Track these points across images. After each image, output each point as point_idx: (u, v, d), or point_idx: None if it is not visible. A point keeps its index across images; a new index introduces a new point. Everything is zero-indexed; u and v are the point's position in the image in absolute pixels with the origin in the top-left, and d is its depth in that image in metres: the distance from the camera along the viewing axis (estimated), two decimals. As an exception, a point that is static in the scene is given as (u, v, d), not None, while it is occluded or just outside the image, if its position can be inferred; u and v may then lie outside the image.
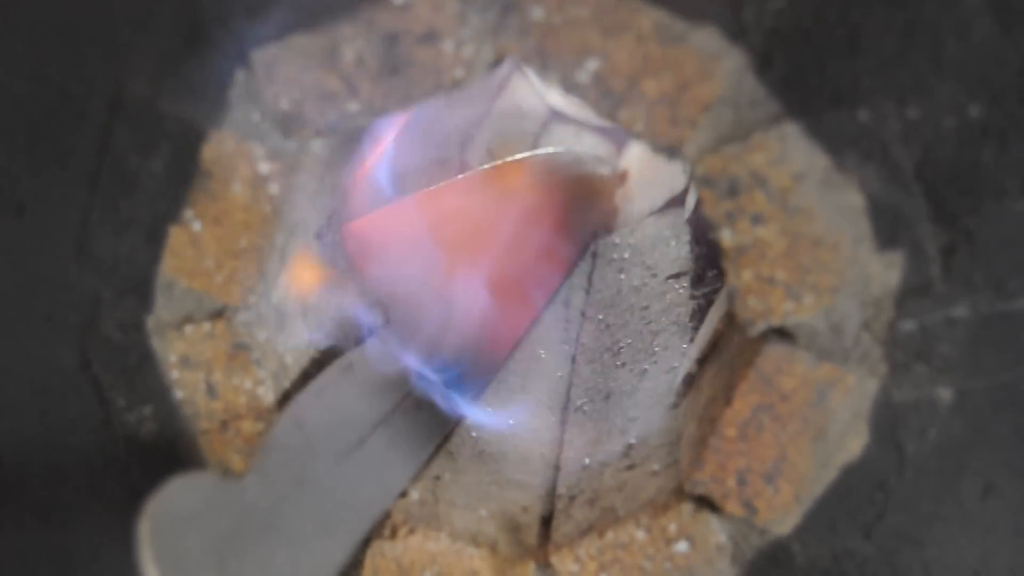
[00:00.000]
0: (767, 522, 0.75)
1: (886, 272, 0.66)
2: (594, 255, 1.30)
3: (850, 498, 0.73)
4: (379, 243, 1.00)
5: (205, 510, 0.65)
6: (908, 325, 0.67)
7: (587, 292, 1.21)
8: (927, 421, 0.70)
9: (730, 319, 0.80)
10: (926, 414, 0.70)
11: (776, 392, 0.71)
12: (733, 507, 0.75)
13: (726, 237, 0.68)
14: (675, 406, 0.89)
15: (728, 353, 0.79)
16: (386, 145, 1.09)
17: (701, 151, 0.66)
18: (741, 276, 0.68)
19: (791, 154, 0.64)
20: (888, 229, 0.65)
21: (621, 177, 1.50)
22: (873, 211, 0.65)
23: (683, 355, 0.97)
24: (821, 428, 0.71)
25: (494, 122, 1.53)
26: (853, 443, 0.71)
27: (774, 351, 0.70)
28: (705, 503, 0.77)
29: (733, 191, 0.66)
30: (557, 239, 1.25)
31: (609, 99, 0.66)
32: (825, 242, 0.66)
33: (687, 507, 0.77)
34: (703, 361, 0.86)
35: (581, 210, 1.34)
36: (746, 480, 0.74)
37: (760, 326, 0.70)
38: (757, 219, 0.67)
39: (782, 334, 0.70)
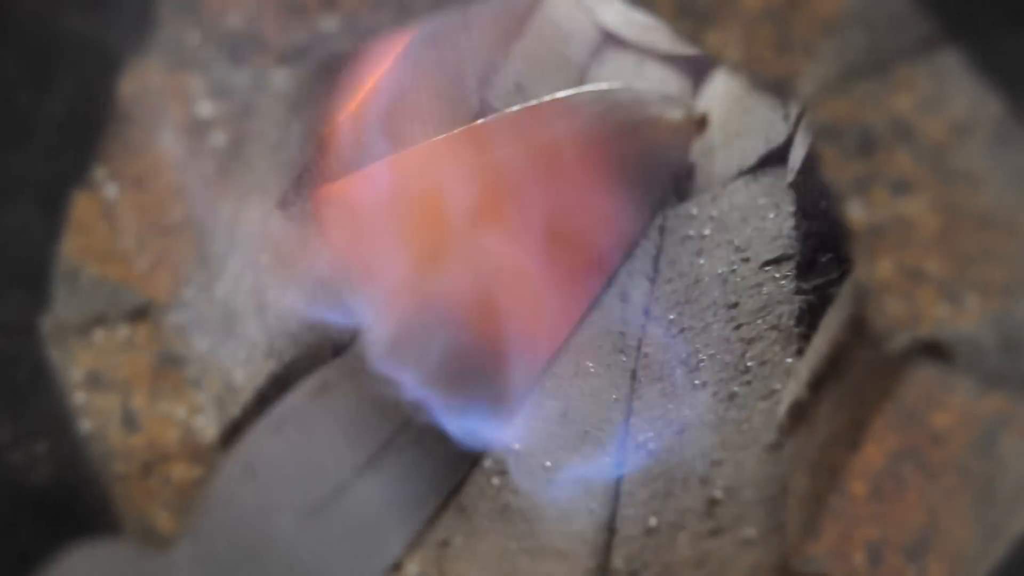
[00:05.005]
0: (910, 615, 0.75)
1: (1083, 264, 0.67)
2: (662, 231, 1.34)
3: (1027, 582, 0.73)
4: (367, 215, 1.01)
5: (119, 590, 0.65)
6: (1114, 341, 0.68)
7: (652, 283, 1.25)
8: None
9: (858, 327, 0.79)
10: None
11: (925, 432, 0.70)
12: (862, 593, 0.76)
13: (856, 212, 0.67)
14: (778, 447, 0.89)
15: (855, 375, 0.78)
16: (378, 79, 1.09)
17: (822, 90, 0.66)
18: (877, 267, 0.68)
19: (949, 96, 0.64)
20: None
21: (699, 123, 1.53)
22: (1066, 177, 0.66)
23: (788, 375, 0.97)
24: (988, 484, 0.70)
25: (526, 48, 1.56)
26: (1032, 505, 0.73)
27: (922, 375, 0.69)
28: (822, 587, 0.78)
29: (867, 147, 0.66)
30: (611, 209, 1.26)
31: (692, 15, 0.66)
32: (996, 221, 0.66)
33: (796, 592, 0.78)
34: (818, 385, 0.85)
35: (644, 169, 1.36)
36: (881, 556, 0.73)
37: (903, 339, 0.69)
38: (900, 187, 0.66)
39: (934, 351, 0.69)
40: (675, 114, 1.47)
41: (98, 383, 0.78)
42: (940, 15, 0.63)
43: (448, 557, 0.87)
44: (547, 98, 1.27)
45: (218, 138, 0.73)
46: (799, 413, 0.87)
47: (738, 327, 1.08)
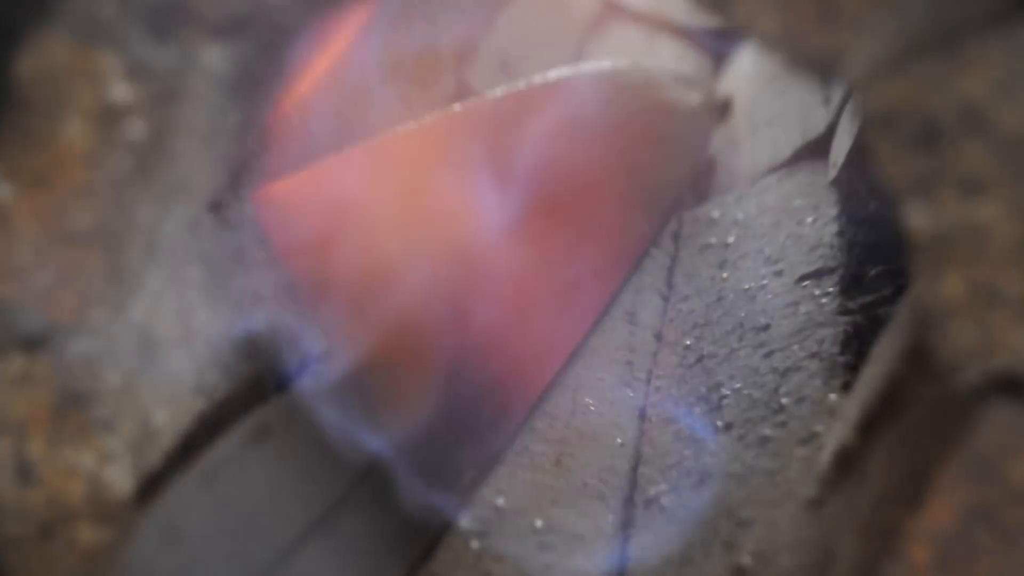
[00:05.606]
0: None
1: None
2: (677, 238, 1.36)
3: None
4: (317, 220, 1.01)
5: None
6: None
7: (666, 300, 1.26)
8: None
9: (919, 358, 0.78)
10: None
11: (1001, 487, 0.68)
12: None
13: (917, 217, 0.66)
14: (820, 504, 0.89)
15: (915, 417, 0.77)
16: (333, 59, 1.10)
17: (875, 70, 0.66)
18: (942, 285, 0.67)
19: (1029, 77, 0.66)
20: None
21: (721, 109, 1.57)
22: None
23: (832, 415, 0.96)
24: (1079, 550, 0.71)
25: (513, 18, 1.57)
26: None
27: (998, 417, 0.68)
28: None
29: (930, 139, 0.65)
30: (616, 212, 1.28)
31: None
32: (1089, 229, 0.67)
33: None
34: (870, 428, 0.84)
35: (655, 164, 1.38)
36: (949, 638, 0.75)
37: (974, 372, 0.68)
38: (971, 187, 0.65)
39: (1012, 387, 0.67)
40: (692, 98, 1.49)
41: (-13, 426, 0.78)
42: (1016, -20, 0.63)
43: (418, 637, 0.88)
44: (538, 79, 1.28)
45: (136, 128, 0.73)
46: (846, 462, 0.87)
47: (769, 355, 1.08)
